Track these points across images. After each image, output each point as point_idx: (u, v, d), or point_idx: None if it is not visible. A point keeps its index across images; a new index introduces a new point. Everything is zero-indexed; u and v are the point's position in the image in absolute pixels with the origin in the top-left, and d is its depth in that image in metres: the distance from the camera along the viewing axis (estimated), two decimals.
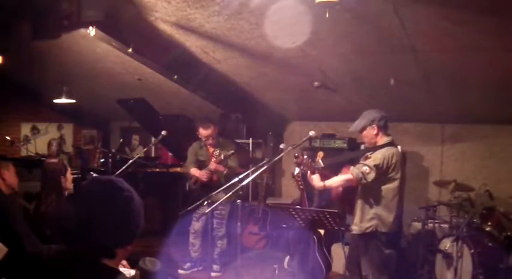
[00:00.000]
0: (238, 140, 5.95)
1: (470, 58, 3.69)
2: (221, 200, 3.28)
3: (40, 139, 8.39)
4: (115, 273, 1.36)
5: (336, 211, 3.27)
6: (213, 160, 4.49)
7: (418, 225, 4.59)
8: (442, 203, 4.49)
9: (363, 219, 3.52)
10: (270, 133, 6.25)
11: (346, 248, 4.06)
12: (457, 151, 5.24)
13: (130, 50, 4.47)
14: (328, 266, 4.17)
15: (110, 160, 6.56)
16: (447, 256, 4.00)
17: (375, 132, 3.53)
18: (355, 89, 4.92)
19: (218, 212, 4.70)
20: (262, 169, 3.37)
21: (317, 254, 4.03)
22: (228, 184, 3.45)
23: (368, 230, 3.48)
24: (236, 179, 3.27)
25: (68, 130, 8.73)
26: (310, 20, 3.41)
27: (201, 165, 4.78)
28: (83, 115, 8.26)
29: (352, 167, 3.46)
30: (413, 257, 4.42)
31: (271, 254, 5.12)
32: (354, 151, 5.08)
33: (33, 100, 7.72)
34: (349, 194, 3.63)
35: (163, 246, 4.69)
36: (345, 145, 5.33)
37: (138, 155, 4.88)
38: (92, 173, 6.22)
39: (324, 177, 3.55)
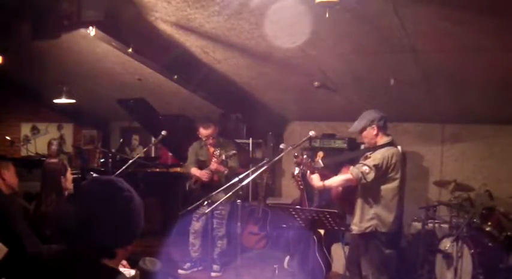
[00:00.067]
0: (238, 140, 5.94)
1: (470, 58, 3.69)
2: (221, 200, 3.28)
3: (40, 139, 8.37)
4: (115, 273, 1.36)
5: (335, 211, 3.27)
6: (214, 160, 4.48)
7: (418, 225, 4.59)
8: (442, 203, 4.49)
9: (363, 219, 3.52)
10: (270, 133, 6.25)
11: (346, 248, 4.06)
12: (457, 151, 5.24)
13: (130, 50, 4.47)
14: (328, 266, 4.17)
15: (110, 160, 6.57)
16: (447, 256, 4.00)
17: (375, 132, 3.53)
18: (355, 89, 4.92)
19: (218, 212, 4.69)
20: (262, 169, 3.37)
21: (317, 254, 4.03)
22: (228, 184, 3.45)
23: (368, 230, 3.48)
24: (236, 179, 3.27)
25: (68, 130, 8.73)
26: (310, 20, 3.41)
27: (201, 165, 4.78)
28: (83, 115, 8.26)
29: (351, 167, 3.46)
30: (413, 257, 4.42)
31: (271, 254, 5.12)
32: (353, 151, 5.08)
33: (33, 100, 7.72)
34: (349, 194, 3.63)
35: (163, 246, 4.69)
36: (345, 145, 5.33)
37: (138, 155, 4.89)
38: (92, 173, 6.23)
39: (323, 177, 3.55)
